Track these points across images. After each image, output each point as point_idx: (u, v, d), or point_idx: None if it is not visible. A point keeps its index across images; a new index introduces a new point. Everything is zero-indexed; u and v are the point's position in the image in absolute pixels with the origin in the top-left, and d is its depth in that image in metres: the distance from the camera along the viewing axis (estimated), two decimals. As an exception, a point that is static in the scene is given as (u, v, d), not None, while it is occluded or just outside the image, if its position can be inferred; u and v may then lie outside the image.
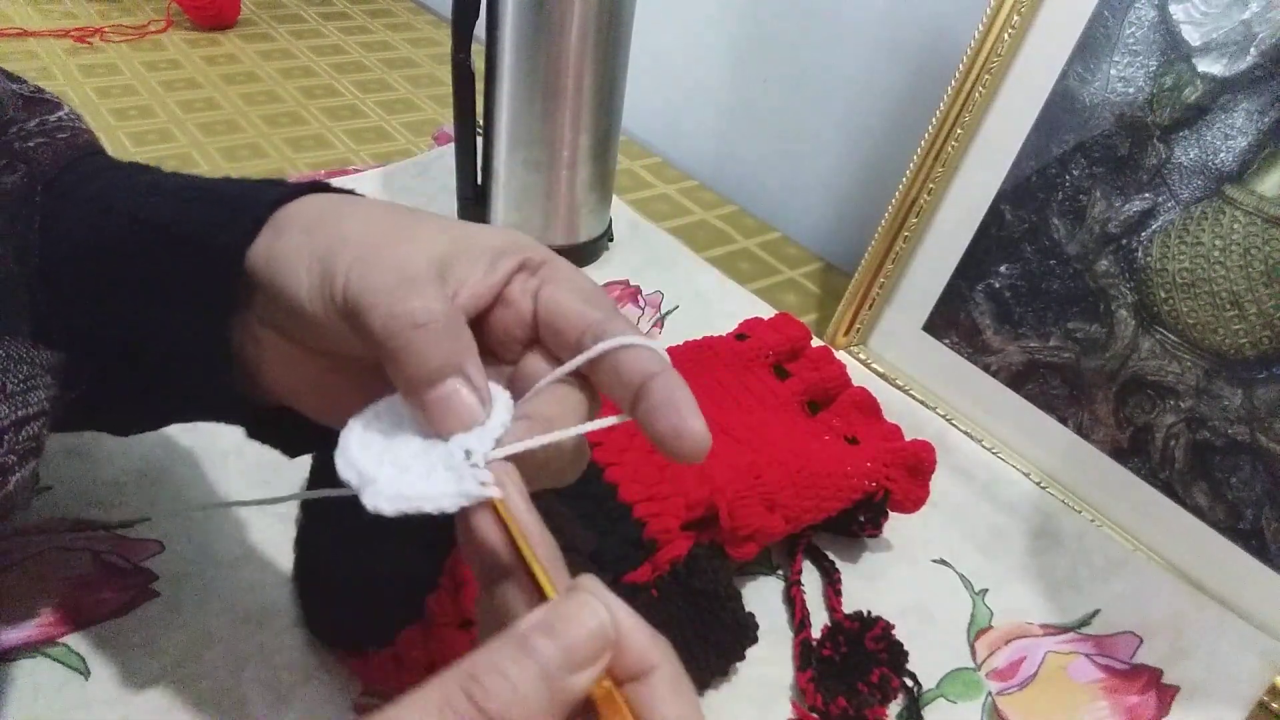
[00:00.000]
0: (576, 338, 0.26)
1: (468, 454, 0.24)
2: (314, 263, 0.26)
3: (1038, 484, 0.54)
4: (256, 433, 0.33)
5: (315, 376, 0.29)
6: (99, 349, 0.30)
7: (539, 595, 0.23)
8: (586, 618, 0.21)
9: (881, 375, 0.61)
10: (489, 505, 0.24)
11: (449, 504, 0.24)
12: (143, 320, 0.29)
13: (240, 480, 0.46)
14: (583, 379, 0.27)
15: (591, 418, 0.27)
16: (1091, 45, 0.52)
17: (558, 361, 0.27)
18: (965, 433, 0.57)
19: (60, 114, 0.36)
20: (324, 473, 0.39)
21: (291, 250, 0.27)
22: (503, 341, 0.28)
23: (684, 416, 0.24)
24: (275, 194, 0.28)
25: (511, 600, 0.23)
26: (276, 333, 0.29)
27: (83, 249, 0.29)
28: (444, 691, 0.19)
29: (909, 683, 0.41)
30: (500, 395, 0.26)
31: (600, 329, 0.26)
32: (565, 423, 0.26)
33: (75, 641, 0.38)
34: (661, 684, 0.21)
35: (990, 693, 0.43)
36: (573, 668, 0.20)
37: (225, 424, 0.33)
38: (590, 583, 0.22)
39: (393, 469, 0.24)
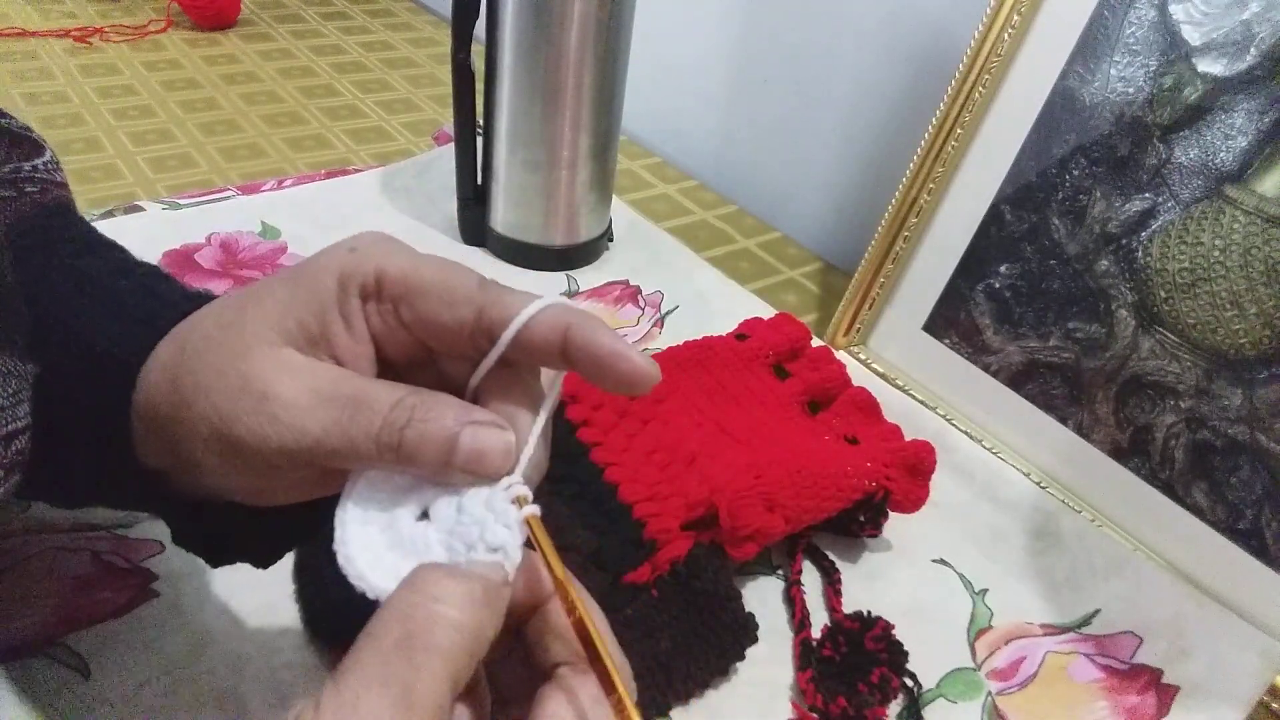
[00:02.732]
0: (468, 340, 0.26)
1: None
2: (213, 442, 0.26)
3: (1038, 484, 0.54)
4: (182, 537, 0.32)
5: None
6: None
7: (568, 608, 0.25)
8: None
9: (881, 375, 0.61)
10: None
11: (516, 550, 0.24)
12: (54, 412, 0.29)
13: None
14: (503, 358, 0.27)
15: (535, 387, 0.27)
16: (1091, 45, 0.52)
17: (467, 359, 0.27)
18: (965, 433, 0.57)
19: (38, 161, 0.35)
20: None
21: (181, 436, 0.26)
22: (411, 364, 0.27)
23: (623, 362, 0.25)
24: (163, 322, 0.28)
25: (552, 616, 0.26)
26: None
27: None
28: None
29: (909, 683, 0.41)
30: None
31: (490, 321, 0.25)
32: (524, 420, 0.26)
33: (75, 641, 0.38)
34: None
35: (990, 692, 0.43)
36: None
37: (152, 517, 0.32)
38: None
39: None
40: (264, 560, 0.33)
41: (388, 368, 0.27)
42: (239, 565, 0.42)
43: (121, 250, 0.33)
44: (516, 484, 0.25)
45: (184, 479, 0.28)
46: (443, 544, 0.24)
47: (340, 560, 0.24)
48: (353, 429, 0.24)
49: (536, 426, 0.26)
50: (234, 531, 0.31)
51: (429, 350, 0.27)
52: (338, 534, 0.25)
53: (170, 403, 0.27)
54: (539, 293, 0.26)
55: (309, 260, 0.27)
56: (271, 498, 0.28)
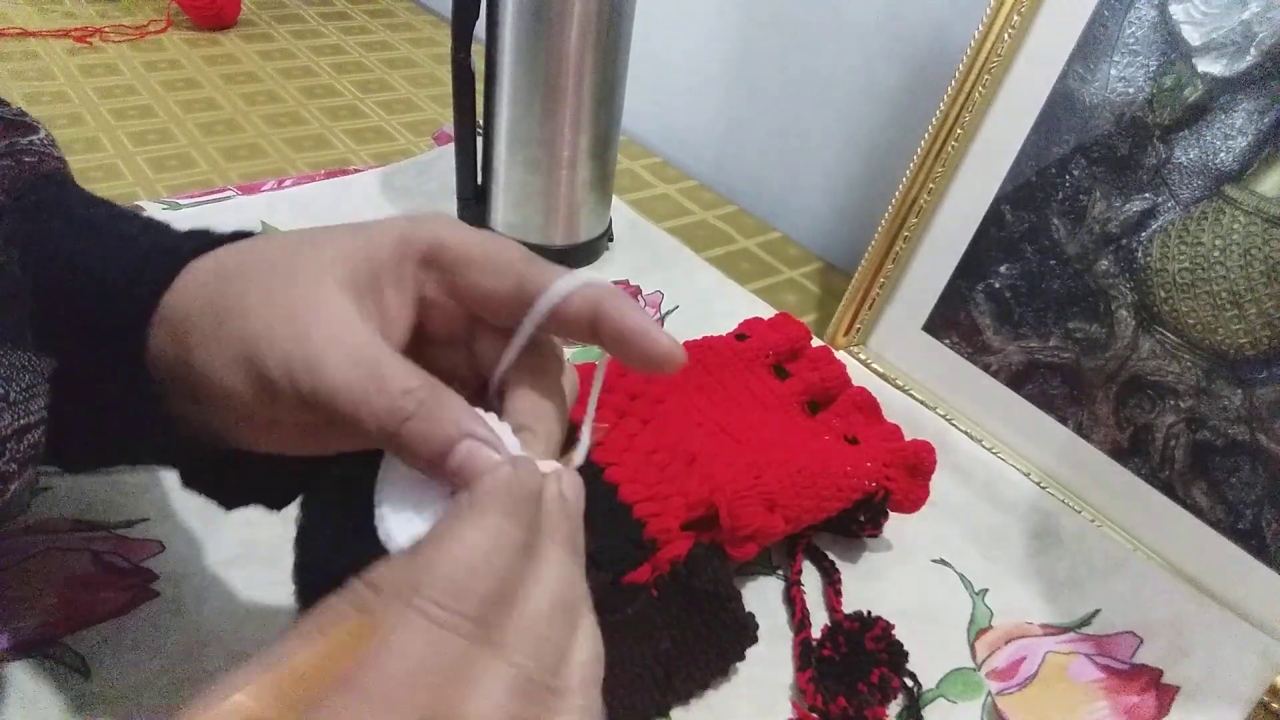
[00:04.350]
0: (508, 310, 0.27)
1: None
2: (232, 346, 0.26)
3: (1038, 484, 0.54)
4: (192, 480, 0.32)
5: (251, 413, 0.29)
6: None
7: None
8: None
9: (881, 375, 0.61)
10: None
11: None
12: (65, 359, 0.29)
13: (240, 480, 0.46)
14: (537, 339, 0.28)
15: (562, 380, 0.28)
16: (1091, 45, 0.52)
17: (503, 334, 0.28)
18: (965, 433, 0.57)
19: (33, 138, 0.36)
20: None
21: (198, 327, 0.27)
22: (447, 341, 0.28)
23: (650, 340, 0.26)
24: (184, 252, 0.28)
25: None
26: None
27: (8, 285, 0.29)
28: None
29: (909, 683, 0.41)
30: (502, 428, 0.27)
31: (529, 293, 0.27)
32: (549, 414, 0.27)
33: (75, 641, 0.38)
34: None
35: (990, 693, 0.43)
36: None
37: (164, 467, 0.32)
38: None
39: None
40: (277, 502, 0.33)
41: (426, 341, 0.29)
42: (238, 566, 0.42)
43: (119, 206, 0.34)
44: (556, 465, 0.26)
45: (193, 413, 0.28)
46: None
47: (381, 535, 0.25)
48: (365, 401, 0.25)
49: (579, 451, 0.27)
50: (245, 474, 0.31)
51: (467, 327, 0.29)
52: (377, 512, 0.26)
53: (204, 316, 0.27)
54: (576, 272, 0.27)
55: (371, 221, 0.28)
56: (276, 444, 0.29)
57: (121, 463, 0.33)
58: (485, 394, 0.29)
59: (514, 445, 0.26)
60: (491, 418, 0.26)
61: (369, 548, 0.41)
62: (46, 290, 0.29)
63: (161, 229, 0.31)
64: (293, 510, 0.41)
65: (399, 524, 0.25)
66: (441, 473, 0.25)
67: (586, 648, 0.24)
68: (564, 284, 0.27)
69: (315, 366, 0.25)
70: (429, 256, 0.28)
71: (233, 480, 0.32)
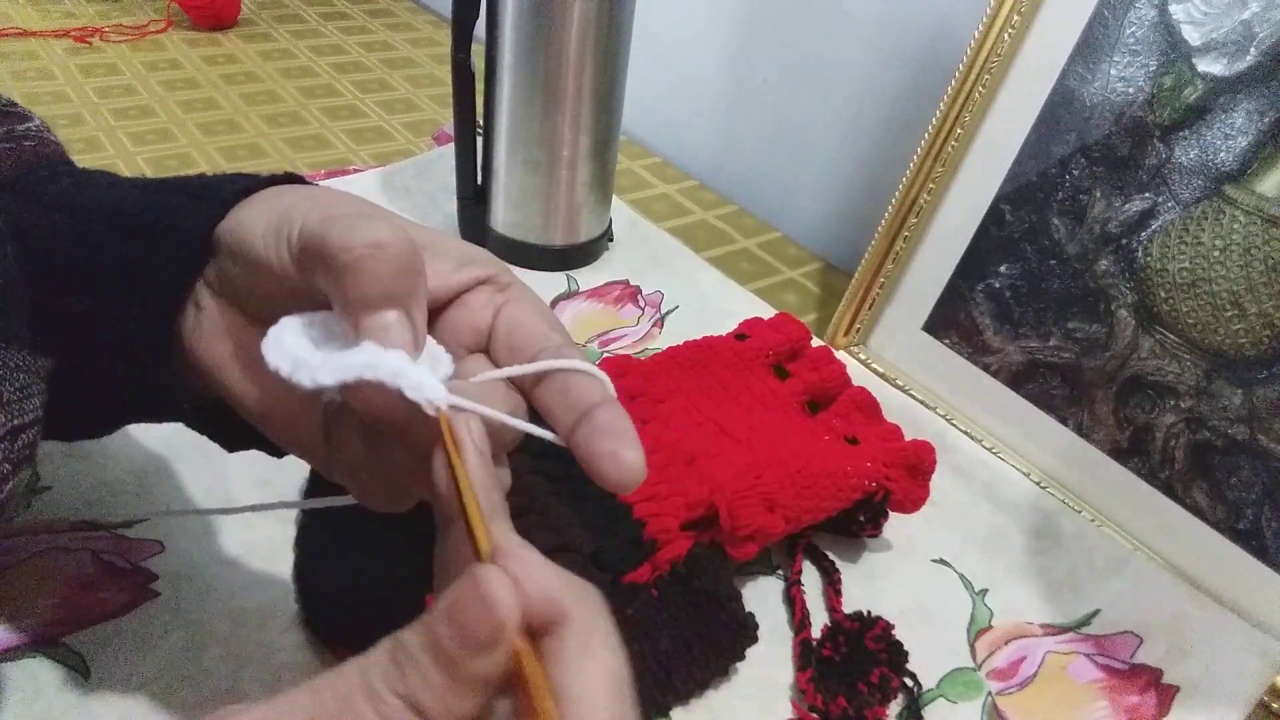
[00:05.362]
0: (533, 354, 0.27)
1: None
2: (273, 216, 0.26)
3: (1038, 484, 0.54)
4: (198, 423, 0.32)
5: (258, 354, 0.29)
6: (47, 350, 0.30)
7: (473, 543, 0.22)
8: (479, 599, 0.19)
9: (881, 375, 0.61)
10: (441, 446, 0.24)
11: (406, 384, 0.24)
12: (88, 311, 0.29)
13: (240, 479, 0.46)
14: (521, 393, 0.27)
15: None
16: (1091, 45, 0.52)
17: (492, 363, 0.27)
18: (965, 433, 0.57)
19: (29, 124, 0.36)
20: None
21: (253, 213, 0.27)
22: (448, 346, 0.28)
23: (624, 443, 0.24)
24: (244, 183, 0.29)
25: (457, 545, 0.24)
26: (225, 301, 0.29)
27: (37, 247, 0.29)
28: (362, 674, 0.21)
29: (909, 683, 0.41)
30: (438, 350, 0.26)
31: (558, 352, 0.26)
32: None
33: (75, 641, 0.38)
34: (569, 640, 0.20)
35: (990, 693, 0.43)
36: (473, 651, 0.19)
37: (167, 422, 0.32)
38: (505, 548, 0.21)
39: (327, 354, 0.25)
40: (278, 449, 0.33)
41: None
42: (238, 566, 0.42)
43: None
44: (444, 389, 0.24)
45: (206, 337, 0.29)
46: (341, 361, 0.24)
47: (270, 332, 0.25)
48: (353, 221, 0.24)
49: (484, 410, 0.25)
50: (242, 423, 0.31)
51: (483, 348, 0.28)
52: (271, 332, 0.25)
53: (269, 193, 0.28)
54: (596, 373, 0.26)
55: (453, 240, 0.29)
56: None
57: (129, 422, 0.33)
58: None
59: (440, 354, 0.26)
60: (437, 346, 0.27)
61: (369, 549, 0.41)
62: (83, 244, 0.29)
63: (213, 176, 0.31)
64: (293, 510, 0.42)
65: (297, 344, 0.25)
66: (355, 318, 0.24)
67: None
68: (582, 364, 0.25)
69: (324, 216, 0.25)
70: (496, 281, 0.28)
71: (237, 424, 0.32)
